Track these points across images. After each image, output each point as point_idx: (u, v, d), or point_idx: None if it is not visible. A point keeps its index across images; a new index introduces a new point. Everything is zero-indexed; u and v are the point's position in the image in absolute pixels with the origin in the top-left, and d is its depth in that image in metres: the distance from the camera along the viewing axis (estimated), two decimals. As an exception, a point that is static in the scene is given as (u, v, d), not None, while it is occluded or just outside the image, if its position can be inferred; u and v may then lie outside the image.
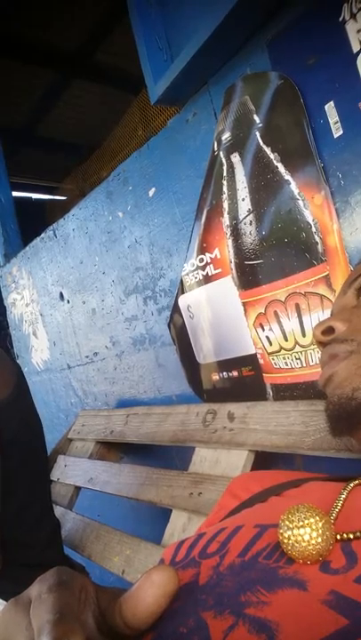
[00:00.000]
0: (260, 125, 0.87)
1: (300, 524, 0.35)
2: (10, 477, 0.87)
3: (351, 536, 0.36)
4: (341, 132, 0.77)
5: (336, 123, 0.77)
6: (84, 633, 0.25)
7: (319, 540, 0.34)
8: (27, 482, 0.90)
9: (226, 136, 0.93)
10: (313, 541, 0.34)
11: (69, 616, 0.25)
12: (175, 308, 1.14)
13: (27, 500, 0.90)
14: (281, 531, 0.35)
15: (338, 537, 0.36)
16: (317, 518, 0.35)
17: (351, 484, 0.46)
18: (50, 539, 0.95)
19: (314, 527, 0.34)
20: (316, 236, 0.81)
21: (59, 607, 0.25)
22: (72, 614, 0.26)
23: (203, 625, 0.32)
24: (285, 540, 0.35)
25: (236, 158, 0.92)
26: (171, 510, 0.92)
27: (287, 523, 0.35)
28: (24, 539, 0.88)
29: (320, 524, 0.35)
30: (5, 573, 0.83)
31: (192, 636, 0.31)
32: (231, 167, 0.93)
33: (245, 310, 0.96)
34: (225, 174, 0.95)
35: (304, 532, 0.34)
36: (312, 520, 0.35)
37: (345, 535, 0.36)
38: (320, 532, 0.34)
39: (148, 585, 0.28)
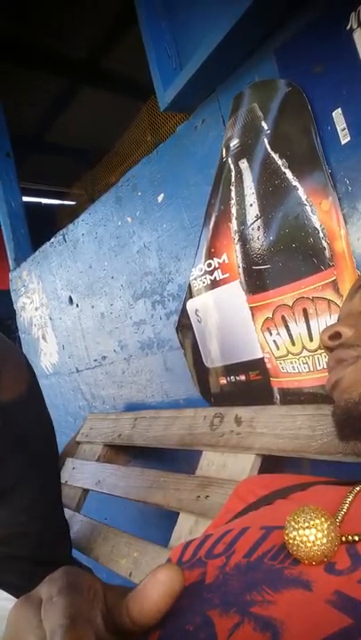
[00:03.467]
0: (268, 132, 0.88)
1: (306, 524, 0.35)
2: (21, 474, 0.88)
3: (356, 538, 0.37)
4: (349, 139, 0.77)
5: (344, 129, 0.78)
6: (95, 638, 0.25)
7: (324, 540, 0.34)
8: (37, 480, 0.91)
9: (234, 142, 0.95)
10: (318, 542, 0.34)
11: (81, 621, 0.26)
12: (183, 313, 1.15)
13: (37, 498, 0.91)
14: (287, 531, 0.36)
15: (343, 539, 0.37)
16: (323, 520, 0.35)
17: (357, 488, 0.46)
18: (58, 536, 0.96)
19: (319, 528, 0.35)
20: (323, 242, 0.82)
21: (70, 612, 0.26)
22: (83, 619, 0.26)
23: (209, 623, 0.32)
24: (291, 541, 0.35)
25: (244, 164, 0.93)
26: (178, 513, 0.92)
27: (293, 523, 0.36)
28: (33, 534, 0.89)
29: (325, 526, 0.35)
30: (12, 567, 0.84)
31: (198, 634, 0.32)
32: (239, 173, 0.94)
33: (253, 315, 0.97)
34: (233, 180, 0.96)
35: (310, 533, 0.35)
36: (318, 521, 0.35)
37: (350, 537, 0.37)
38: (325, 533, 0.35)
39: (154, 583, 0.29)
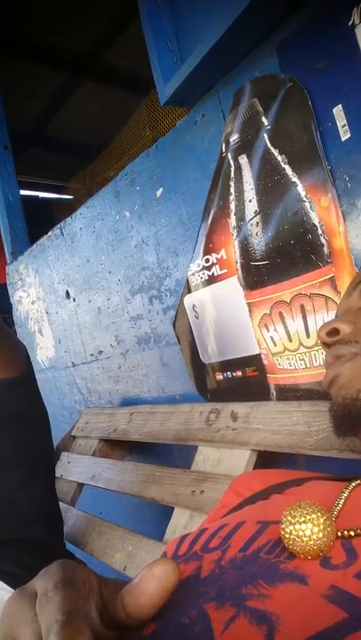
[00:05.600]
0: (269, 128, 0.88)
1: (302, 519, 0.35)
2: (14, 453, 0.88)
3: (352, 533, 0.37)
4: (349, 136, 0.77)
5: (344, 126, 0.77)
6: (91, 634, 0.25)
7: (320, 535, 0.35)
8: (28, 461, 0.91)
9: (234, 138, 0.94)
10: (314, 536, 0.34)
11: (77, 616, 0.26)
12: (180, 308, 1.15)
13: (29, 478, 0.90)
14: (283, 526, 0.36)
15: (339, 534, 0.37)
16: (319, 514, 0.35)
17: (353, 484, 0.46)
18: (50, 520, 0.96)
19: (315, 523, 0.35)
20: (322, 238, 0.82)
21: (66, 607, 0.26)
22: (79, 614, 0.26)
23: (204, 616, 0.33)
24: (287, 535, 0.35)
25: (243, 160, 0.93)
26: (173, 508, 0.93)
27: (289, 518, 0.36)
28: (25, 515, 0.89)
29: (321, 520, 0.35)
30: (6, 554, 0.84)
31: (194, 627, 0.32)
32: (239, 169, 0.94)
33: (250, 311, 0.97)
34: (232, 175, 0.95)
35: (306, 528, 0.35)
36: (314, 516, 0.35)
37: (346, 532, 0.37)
38: (321, 527, 0.35)
39: (149, 577, 0.29)
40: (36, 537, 0.89)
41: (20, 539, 0.87)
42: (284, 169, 0.86)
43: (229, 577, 0.36)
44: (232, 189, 0.96)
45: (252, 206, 0.92)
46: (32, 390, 0.97)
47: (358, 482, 0.46)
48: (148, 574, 0.29)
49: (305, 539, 0.35)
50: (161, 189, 1.18)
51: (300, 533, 0.35)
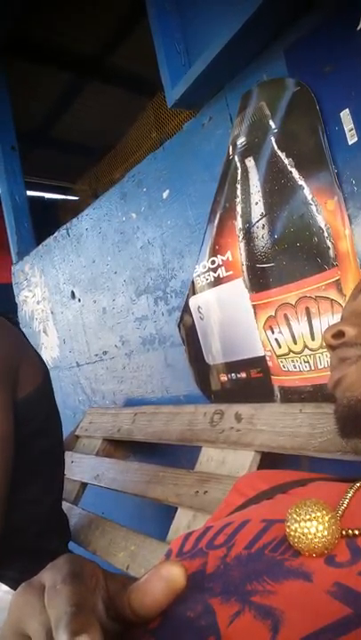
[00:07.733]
0: (276, 131, 0.89)
1: (308, 517, 0.36)
2: (31, 467, 0.88)
3: (356, 532, 0.37)
4: (356, 139, 0.78)
5: (351, 130, 0.78)
6: (99, 626, 0.26)
7: (325, 533, 0.35)
8: (47, 472, 0.92)
9: (241, 140, 0.95)
10: (319, 534, 0.35)
11: (86, 609, 0.26)
12: (185, 309, 1.15)
13: (45, 489, 0.91)
14: (288, 523, 0.36)
15: (343, 532, 0.37)
16: (324, 512, 0.36)
17: (357, 484, 0.47)
18: (60, 527, 0.96)
19: (320, 521, 0.35)
20: (327, 241, 0.82)
21: (75, 600, 0.26)
22: (88, 608, 0.27)
23: (210, 610, 0.33)
24: (292, 533, 0.36)
25: (250, 163, 0.93)
26: (176, 508, 0.93)
27: (295, 516, 0.36)
28: (36, 527, 0.89)
29: (327, 519, 0.36)
30: (11, 560, 0.84)
31: (199, 621, 0.32)
32: (245, 171, 0.95)
33: (256, 313, 0.97)
34: (239, 178, 0.96)
35: (311, 526, 0.35)
36: (319, 514, 0.36)
37: (350, 531, 0.37)
38: (326, 525, 0.35)
39: (156, 579, 0.29)
40: (42, 546, 0.90)
41: (24, 546, 0.87)
42: (291, 172, 0.86)
43: (234, 573, 0.37)
44: (238, 192, 0.96)
45: (258, 209, 0.93)
46: (50, 402, 0.99)
47: (363, 482, 0.47)
48: (155, 575, 0.29)
49: (310, 536, 0.35)
50: (167, 191, 1.19)
51: (306, 531, 0.35)
